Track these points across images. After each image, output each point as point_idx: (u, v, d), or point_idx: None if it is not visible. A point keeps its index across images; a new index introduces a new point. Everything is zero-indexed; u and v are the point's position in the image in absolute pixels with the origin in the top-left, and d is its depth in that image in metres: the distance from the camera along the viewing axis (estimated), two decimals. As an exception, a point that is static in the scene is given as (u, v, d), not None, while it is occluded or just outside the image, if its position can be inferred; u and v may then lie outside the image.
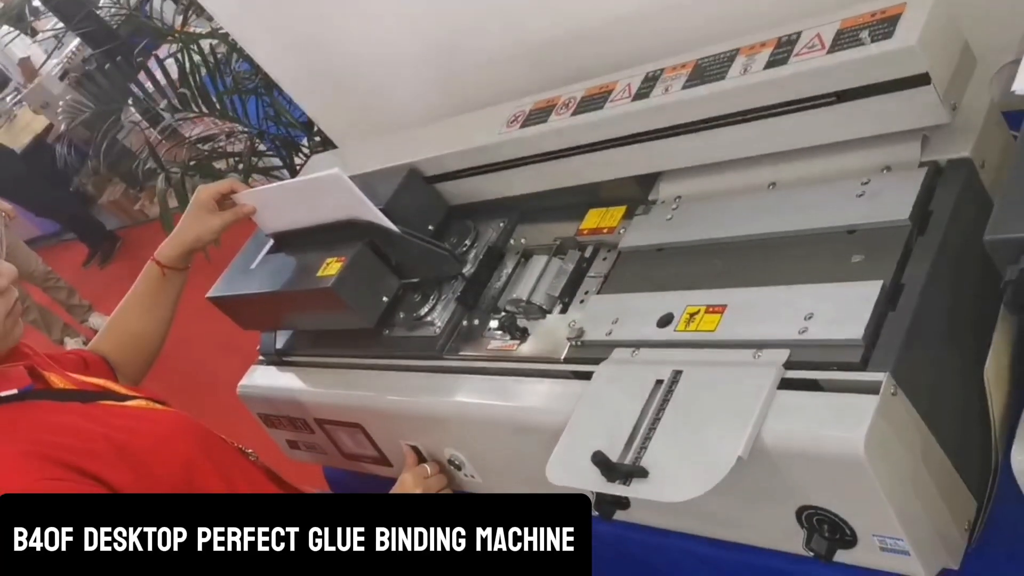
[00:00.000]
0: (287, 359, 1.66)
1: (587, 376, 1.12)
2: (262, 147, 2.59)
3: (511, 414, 1.23)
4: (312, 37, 1.89)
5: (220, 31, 2.43)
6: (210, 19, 2.65)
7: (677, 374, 1.03)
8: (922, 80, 0.95)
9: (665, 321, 1.09)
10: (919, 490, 0.90)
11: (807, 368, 0.94)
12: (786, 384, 0.94)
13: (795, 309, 0.98)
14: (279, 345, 1.67)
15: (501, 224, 1.47)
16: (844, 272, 0.98)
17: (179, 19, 3.32)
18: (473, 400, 1.29)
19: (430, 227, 1.49)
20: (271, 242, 1.59)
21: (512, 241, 1.45)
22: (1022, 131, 0.78)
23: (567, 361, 1.19)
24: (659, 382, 1.03)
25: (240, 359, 1.79)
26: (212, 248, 1.57)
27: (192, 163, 2.53)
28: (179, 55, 2.45)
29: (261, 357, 1.71)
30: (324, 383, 1.55)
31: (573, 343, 1.18)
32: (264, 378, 1.68)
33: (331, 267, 1.39)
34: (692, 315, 1.07)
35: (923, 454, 0.89)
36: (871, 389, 0.87)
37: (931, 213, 0.98)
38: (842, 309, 0.94)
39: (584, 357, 1.16)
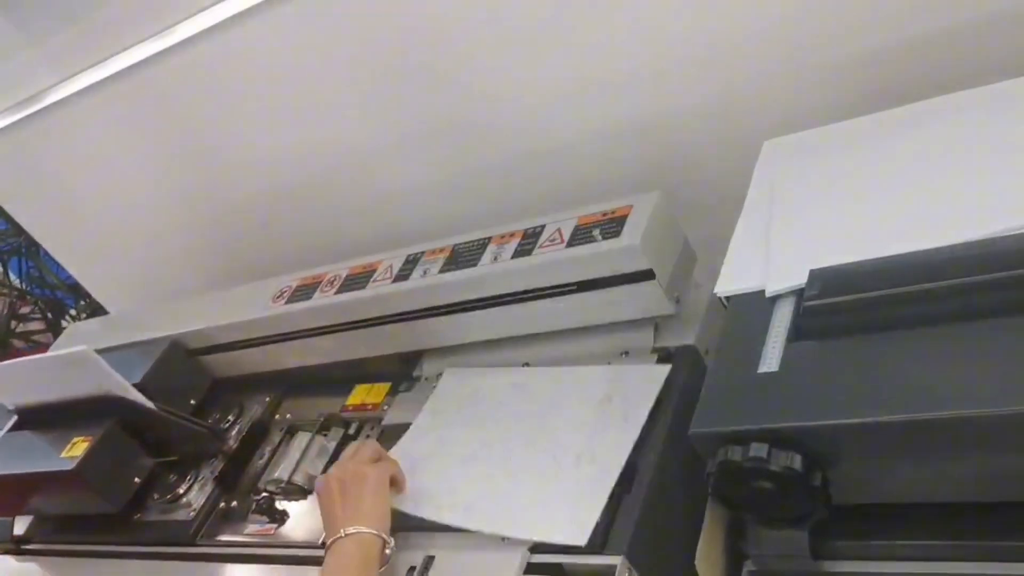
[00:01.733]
0: (25, 547, 1.51)
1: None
2: (24, 310, 2.43)
3: (266, 604, 1.17)
4: (76, 199, 1.83)
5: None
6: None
7: (429, 560, 1.02)
8: (647, 275, 1.04)
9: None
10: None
11: (551, 552, 0.95)
12: (532, 569, 0.95)
13: (541, 491, 1.01)
14: (17, 530, 1.52)
15: (267, 399, 1.44)
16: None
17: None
18: (226, 590, 1.22)
19: (192, 401, 1.45)
20: (15, 418, 1.48)
21: (277, 416, 1.42)
22: (722, 328, 0.86)
23: (324, 546, 1.15)
24: (412, 568, 1.02)
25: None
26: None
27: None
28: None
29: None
30: (66, 575, 1.42)
31: (331, 527, 1.15)
32: (-2, 570, 1.51)
33: (77, 447, 1.30)
34: (446, 497, 1.07)
35: (658, 637, 0.92)
36: (607, 573, 0.90)
37: (661, 399, 1.04)
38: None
39: (342, 542, 1.13)
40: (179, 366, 1.45)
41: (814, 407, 0.73)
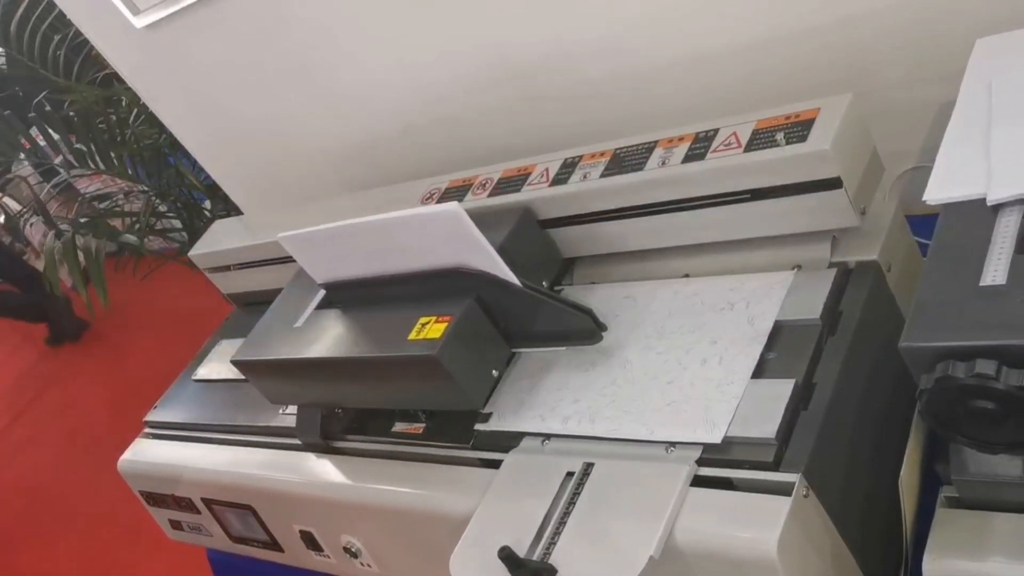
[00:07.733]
0: (171, 433, 1.57)
1: (496, 464, 1.09)
2: (163, 208, 2.50)
3: (414, 501, 1.17)
4: (220, 102, 1.85)
5: (122, 86, 2.36)
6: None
7: (588, 466, 1.00)
8: (834, 184, 0.97)
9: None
10: (829, 594, 0.89)
11: (720, 466, 0.92)
12: (699, 481, 0.92)
13: (708, 404, 0.97)
14: (154, 417, 1.58)
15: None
16: (757, 369, 0.98)
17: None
18: (373, 485, 1.23)
19: (544, 283, 1.21)
20: (320, 294, 1.28)
21: (421, 317, 1.41)
22: (935, 237, 0.80)
23: (475, 448, 1.15)
24: (570, 474, 1.01)
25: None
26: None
27: (84, 220, 2.41)
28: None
29: (147, 430, 1.62)
30: (214, 460, 1.47)
31: (481, 429, 1.14)
32: (149, 453, 1.58)
33: (430, 329, 1.06)
34: (605, 406, 1.05)
35: (833, 558, 0.89)
36: (784, 490, 0.86)
37: (841, 314, 0.99)
38: (755, 407, 0.93)
39: (493, 444, 1.12)
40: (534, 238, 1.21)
41: (1050, 324, 0.66)
